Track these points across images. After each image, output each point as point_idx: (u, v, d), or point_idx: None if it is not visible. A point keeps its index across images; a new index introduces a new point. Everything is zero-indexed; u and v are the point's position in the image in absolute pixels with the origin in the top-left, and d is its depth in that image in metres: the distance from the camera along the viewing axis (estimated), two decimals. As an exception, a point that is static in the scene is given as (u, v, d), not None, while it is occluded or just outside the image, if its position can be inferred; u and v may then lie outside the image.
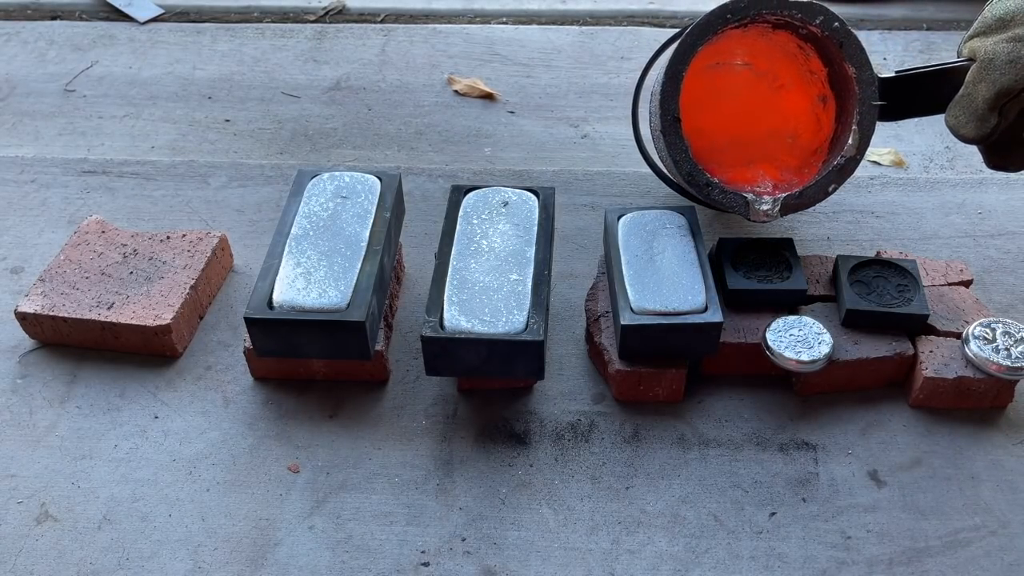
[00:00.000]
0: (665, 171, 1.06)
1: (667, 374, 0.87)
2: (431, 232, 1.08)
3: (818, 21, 0.90)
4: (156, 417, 0.89)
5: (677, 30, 1.00)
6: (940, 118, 0.89)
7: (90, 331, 0.93)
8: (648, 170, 1.08)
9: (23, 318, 0.93)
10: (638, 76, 1.08)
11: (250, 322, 0.84)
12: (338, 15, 1.58)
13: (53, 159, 1.21)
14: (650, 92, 1.03)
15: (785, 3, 0.90)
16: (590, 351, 0.94)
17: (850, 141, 0.92)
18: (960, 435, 0.86)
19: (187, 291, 0.94)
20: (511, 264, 0.88)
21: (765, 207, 0.92)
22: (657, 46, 1.05)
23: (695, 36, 0.90)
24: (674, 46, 0.93)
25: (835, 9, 0.91)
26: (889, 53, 1.47)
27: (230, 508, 0.81)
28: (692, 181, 0.92)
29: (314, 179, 0.97)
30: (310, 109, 1.34)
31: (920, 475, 0.83)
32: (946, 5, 1.56)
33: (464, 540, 0.79)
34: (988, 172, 1.06)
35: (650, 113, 1.01)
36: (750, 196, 0.92)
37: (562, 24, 1.54)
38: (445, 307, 0.84)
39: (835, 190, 0.93)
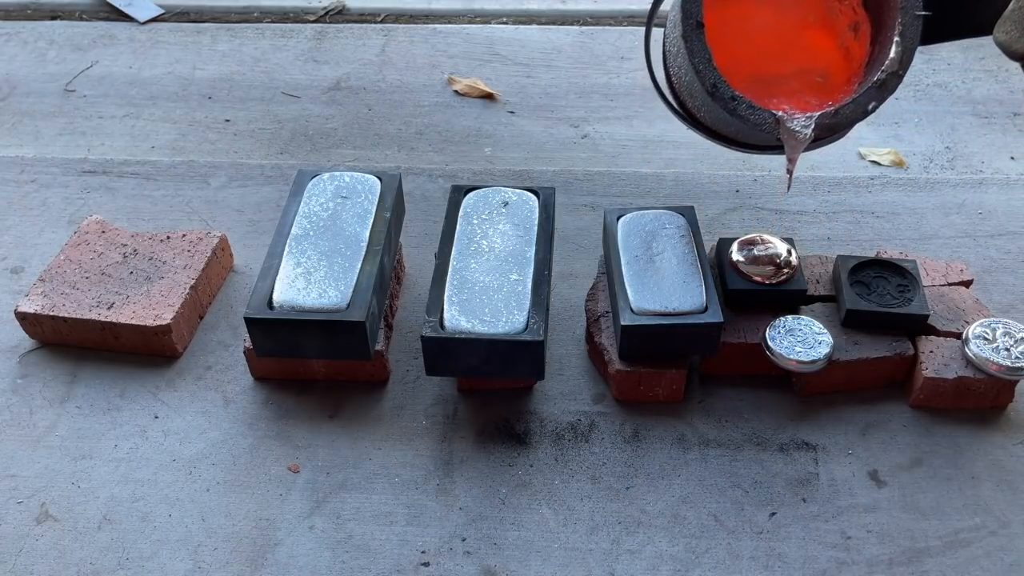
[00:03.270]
0: (687, 104, 0.95)
1: (667, 374, 0.87)
2: (431, 232, 1.08)
3: None
4: (156, 417, 0.89)
5: None
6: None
7: (90, 331, 0.93)
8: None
9: (23, 318, 0.93)
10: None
11: (250, 322, 0.84)
12: (338, 15, 1.58)
13: (53, 159, 1.21)
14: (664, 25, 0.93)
15: None
16: (590, 351, 0.94)
17: (892, 55, 0.84)
18: (960, 435, 0.86)
19: (187, 291, 0.94)
20: (511, 264, 0.88)
21: (798, 126, 0.83)
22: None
23: None
24: None
25: None
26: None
27: (230, 508, 0.81)
28: (716, 93, 0.83)
29: (314, 179, 0.97)
30: (310, 109, 1.34)
31: (920, 475, 0.83)
32: None
33: (464, 540, 0.79)
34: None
35: (666, 34, 0.92)
36: (781, 114, 0.83)
37: (562, 24, 1.54)
38: (445, 307, 0.84)
39: (875, 108, 0.85)
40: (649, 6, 0.95)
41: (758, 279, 0.90)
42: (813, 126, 0.83)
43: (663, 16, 0.95)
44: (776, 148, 0.88)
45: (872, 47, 0.88)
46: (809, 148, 0.87)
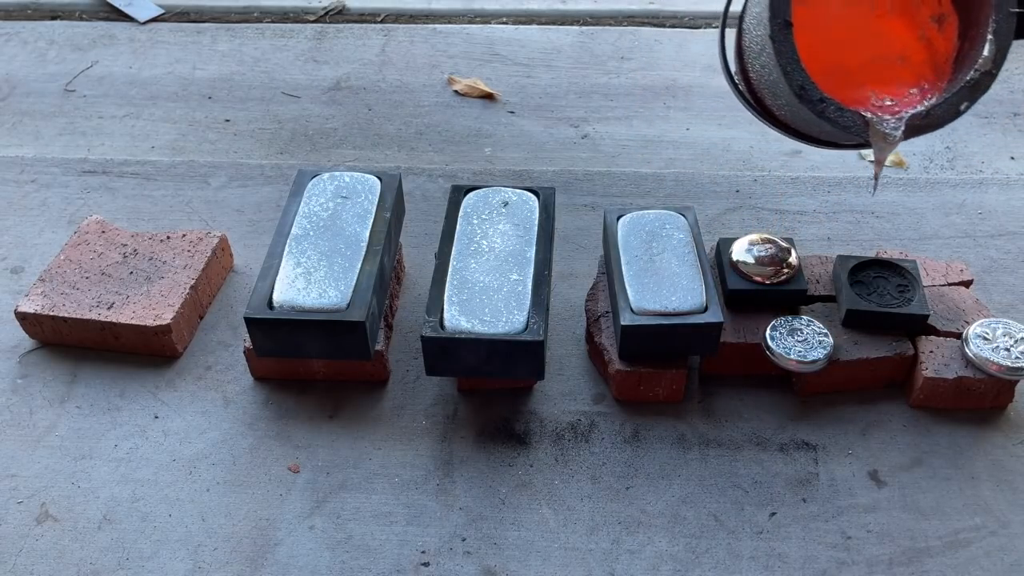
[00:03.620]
0: (765, 100, 0.93)
1: (667, 374, 0.87)
2: (431, 232, 1.08)
3: None
4: (156, 417, 0.89)
5: None
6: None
7: (90, 331, 0.93)
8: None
9: (23, 318, 0.93)
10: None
11: (250, 322, 0.84)
12: (338, 15, 1.58)
13: (53, 159, 1.21)
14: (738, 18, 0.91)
15: None
16: (590, 351, 0.94)
17: (985, 53, 0.82)
18: (960, 435, 0.86)
19: (187, 291, 0.94)
20: (511, 264, 0.88)
21: (888, 128, 0.81)
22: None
23: None
24: None
25: None
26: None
27: (230, 508, 0.81)
28: (804, 95, 0.82)
29: (314, 179, 0.97)
30: (310, 109, 1.34)
31: (920, 475, 0.83)
32: None
33: (464, 540, 0.79)
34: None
35: (744, 31, 0.90)
36: (870, 116, 0.81)
37: (562, 24, 1.54)
38: (445, 307, 0.84)
39: (967, 109, 0.83)
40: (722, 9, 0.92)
41: (758, 279, 0.90)
42: (903, 127, 0.82)
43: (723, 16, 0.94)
44: (858, 144, 0.86)
45: (960, 42, 0.86)
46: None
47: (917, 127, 0.82)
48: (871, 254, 0.99)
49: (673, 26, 1.52)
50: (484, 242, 0.90)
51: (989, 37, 0.82)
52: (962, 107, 0.82)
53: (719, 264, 0.93)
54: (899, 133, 0.81)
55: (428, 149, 1.26)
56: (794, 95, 0.82)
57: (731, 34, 0.92)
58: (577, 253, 1.06)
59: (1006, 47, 0.82)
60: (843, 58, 0.91)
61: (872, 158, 0.84)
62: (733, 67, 0.94)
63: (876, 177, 0.84)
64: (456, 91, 1.37)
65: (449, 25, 1.54)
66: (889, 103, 0.84)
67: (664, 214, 0.95)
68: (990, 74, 0.82)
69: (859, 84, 0.88)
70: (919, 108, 0.82)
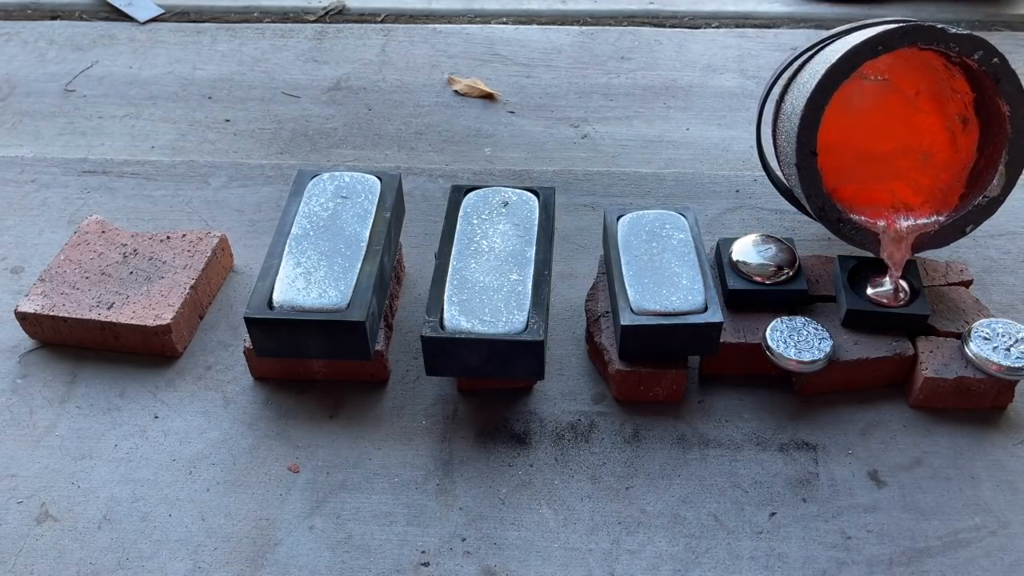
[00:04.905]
0: (786, 185, 1.02)
1: (667, 374, 0.87)
2: (431, 232, 1.08)
3: (977, 56, 0.84)
4: (156, 417, 0.89)
5: (818, 40, 0.94)
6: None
7: (90, 331, 0.93)
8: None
9: (23, 318, 0.93)
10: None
11: (250, 322, 0.84)
12: (338, 15, 1.58)
13: (53, 159, 1.21)
14: (774, 102, 0.98)
15: (944, 35, 0.83)
16: (590, 351, 0.94)
17: (994, 182, 0.88)
18: (960, 435, 0.86)
19: (187, 291, 0.94)
20: (511, 264, 0.88)
21: (898, 247, 0.90)
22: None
23: (842, 68, 0.84)
24: (816, 70, 0.87)
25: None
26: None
27: (230, 508, 0.81)
28: (824, 216, 0.90)
29: (314, 179, 0.97)
30: (310, 109, 1.34)
31: (920, 475, 0.83)
32: (946, 5, 1.56)
33: (464, 540, 0.79)
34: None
35: (778, 134, 0.97)
36: (882, 232, 0.90)
37: (562, 24, 1.54)
38: (445, 307, 0.84)
39: (972, 231, 0.91)
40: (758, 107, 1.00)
41: (758, 279, 0.90)
42: (910, 249, 0.90)
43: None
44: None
45: (978, 155, 0.92)
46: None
47: (925, 244, 0.90)
48: (871, 254, 0.99)
49: (673, 26, 1.52)
50: (484, 242, 0.90)
51: (1001, 169, 0.88)
52: (968, 229, 0.91)
53: (719, 264, 0.93)
54: (908, 253, 0.90)
55: (428, 149, 1.26)
56: (815, 216, 0.91)
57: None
58: (577, 253, 1.06)
59: (1015, 179, 0.89)
60: (875, 144, 0.97)
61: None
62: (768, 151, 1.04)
63: (894, 276, 0.91)
64: (456, 91, 1.37)
65: (449, 25, 1.54)
66: (902, 209, 0.93)
67: (664, 214, 0.95)
68: (998, 200, 0.89)
69: (884, 177, 0.95)
70: (929, 219, 0.91)
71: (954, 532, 0.79)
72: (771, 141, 1.02)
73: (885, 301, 0.89)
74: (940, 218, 0.91)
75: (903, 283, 0.90)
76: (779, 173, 1.03)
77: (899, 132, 0.97)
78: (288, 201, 0.94)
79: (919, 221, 0.90)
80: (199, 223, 1.11)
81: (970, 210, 0.90)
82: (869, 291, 0.90)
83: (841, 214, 0.90)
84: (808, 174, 0.88)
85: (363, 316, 0.83)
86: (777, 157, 1.00)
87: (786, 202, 1.07)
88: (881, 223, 0.90)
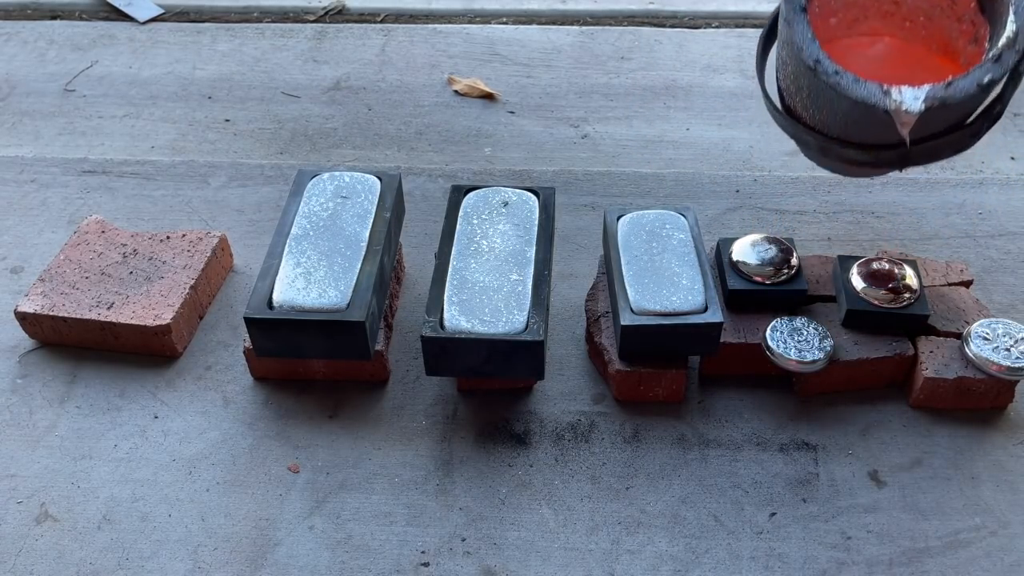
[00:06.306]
0: (796, 109, 0.91)
1: (667, 374, 0.87)
2: (431, 232, 1.08)
3: None
4: (156, 417, 0.89)
5: None
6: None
7: (90, 331, 0.93)
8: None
9: (23, 318, 0.93)
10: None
11: (250, 322, 0.84)
12: (338, 15, 1.58)
13: (53, 159, 1.21)
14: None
15: None
16: (590, 351, 0.94)
17: (1007, 31, 0.80)
18: (960, 435, 0.86)
19: (187, 291, 0.94)
20: (511, 264, 0.88)
21: (908, 97, 0.78)
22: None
23: None
24: None
25: None
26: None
27: (230, 508, 0.81)
28: (819, 68, 0.80)
29: (314, 179, 0.97)
30: (310, 109, 1.34)
31: (920, 475, 0.83)
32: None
33: (464, 540, 0.78)
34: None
35: (779, 58, 0.90)
36: (889, 87, 0.79)
37: (562, 24, 1.54)
38: (445, 307, 0.84)
39: (991, 82, 0.79)
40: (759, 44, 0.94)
41: (758, 279, 0.91)
42: (924, 97, 0.78)
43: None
44: (894, 161, 0.84)
45: (991, 34, 0.84)
46: (929, 160, 0.83)
47: (940, 98, 0.78)
48: (871, 254, 0.99)
49: (673, 26, 1.52)
50: (484, 242, 0.90)
51: (1011, 16, 0.79)
52: (985, 80, 0.78)
53: (719, 264, 0.93)
54: (919, 104, 0.78)
55: (428, 149, 1.26)
56: (810, 70, 0.80)
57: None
58: (577, 253, 1.06)
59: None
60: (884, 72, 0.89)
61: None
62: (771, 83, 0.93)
63: (904, 140, 0.80)
64: (456, 91, 1.37)
65: (449, 25, 1.54)
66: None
67: (664, 214, 0.95)
68: (1012, 48, 0.79)
69: (888, 80, 0.83)
70: (940, 83, 0.79)
71: (954, 532, 0.79)
72: (775, 81, 0.96)
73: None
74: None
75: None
76: (779, 104, 0.95)
77: (918, 77, 0.87)
78: (288, 201, 0.94)
79: (927, 86, 0.80)
80: (199, 223, 1.11)
81: (985, 61, 0.80)
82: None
83: (838, 66, 0.81)
84: (798, 27, 0.81)
85: (363, 316, 0.83)
86: (778, 78, 0.93)
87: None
88: (888, 86, 0.80)
